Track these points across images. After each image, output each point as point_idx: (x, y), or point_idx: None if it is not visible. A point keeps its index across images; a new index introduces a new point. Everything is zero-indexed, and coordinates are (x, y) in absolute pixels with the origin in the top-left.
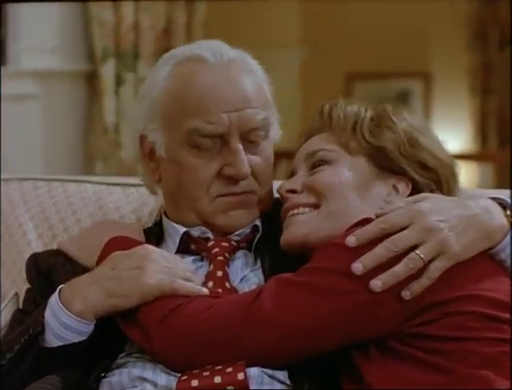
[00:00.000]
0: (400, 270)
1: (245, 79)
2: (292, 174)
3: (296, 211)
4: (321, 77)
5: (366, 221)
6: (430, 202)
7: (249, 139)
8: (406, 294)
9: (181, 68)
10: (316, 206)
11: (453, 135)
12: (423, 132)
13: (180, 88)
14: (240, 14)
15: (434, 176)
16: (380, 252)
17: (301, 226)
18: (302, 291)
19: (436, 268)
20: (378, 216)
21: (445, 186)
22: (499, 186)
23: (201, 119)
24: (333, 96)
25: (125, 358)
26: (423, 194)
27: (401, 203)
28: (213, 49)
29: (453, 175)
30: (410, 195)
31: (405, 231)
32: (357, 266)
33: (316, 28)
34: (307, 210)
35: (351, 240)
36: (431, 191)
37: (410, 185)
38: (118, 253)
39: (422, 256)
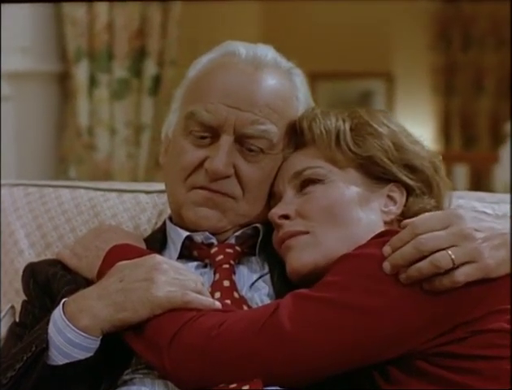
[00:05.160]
0: (425, 266)
1: (266, 84)
2: (276, 196)
3: (294, 240)
4: None
5: (387, 233)
6: (466, 211)
7: (246, 145)
8: (425, 286)
9: (216, 59)
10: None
11: (415, 135)
12: (402, 132)
13: (203, 74)
14: (209, 13)
15: (423, 177)
16: (407, 250)
17: (308, 250)
18: (322, 307)
19: (464, 273)
20: (404, 226)
21: (435, 185)
22: (471, 187)
23: (201, 105)
24: None
25: (131, 374)
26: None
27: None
28: (251, 48)
29: (437, 171)
30: (406, 201)
31: (438, 232)
32: (385, 265)
33: (278, 28)
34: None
35: (386, 250)
36: (423, 193)
37: (404, 191)
38: (125, 263)
39: (453, 257)
